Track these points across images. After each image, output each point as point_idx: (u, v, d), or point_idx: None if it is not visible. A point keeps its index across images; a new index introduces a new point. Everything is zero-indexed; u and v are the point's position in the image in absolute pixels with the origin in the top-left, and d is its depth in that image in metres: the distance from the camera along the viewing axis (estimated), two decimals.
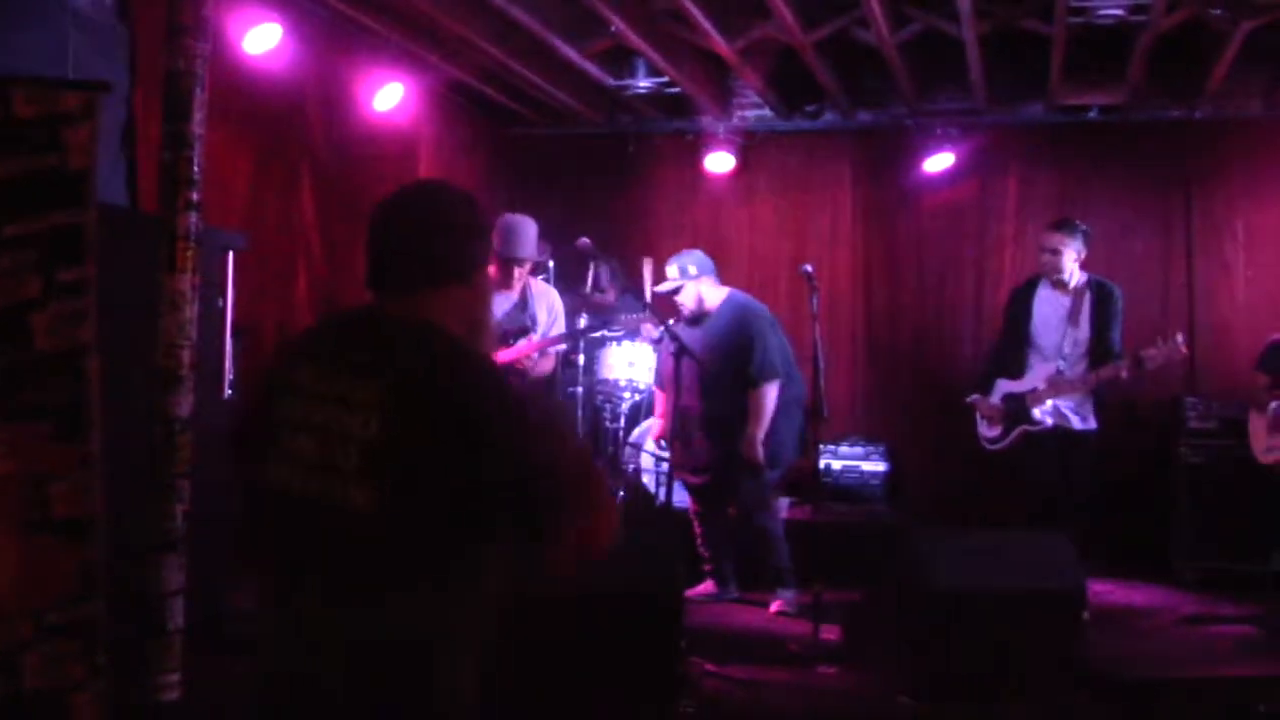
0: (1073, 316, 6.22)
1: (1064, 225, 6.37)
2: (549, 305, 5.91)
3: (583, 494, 1.89)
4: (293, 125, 6.27)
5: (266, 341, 5.71)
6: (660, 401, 6.48)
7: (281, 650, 1.96)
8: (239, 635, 4.17)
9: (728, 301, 6.16)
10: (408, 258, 2.00)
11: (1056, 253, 6.26)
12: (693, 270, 6.09)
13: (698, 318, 6.12)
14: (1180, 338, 5.94)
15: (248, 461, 2.03)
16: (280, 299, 6.25)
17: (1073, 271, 6.29)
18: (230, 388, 4.46)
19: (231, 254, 4.50)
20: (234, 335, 4.46)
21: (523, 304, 5.80)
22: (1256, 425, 6.53)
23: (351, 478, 1.85)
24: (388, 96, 6.62)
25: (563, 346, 6.06)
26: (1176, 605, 6.35)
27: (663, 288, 6.16)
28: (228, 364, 4.35)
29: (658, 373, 6.58)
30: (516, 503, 1.83)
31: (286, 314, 6.24)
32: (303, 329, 2.16)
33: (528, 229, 5.72)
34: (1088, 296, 6.24)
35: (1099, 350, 6.17)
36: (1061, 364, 6.20)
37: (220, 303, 4.42)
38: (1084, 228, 6.36)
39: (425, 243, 2.01)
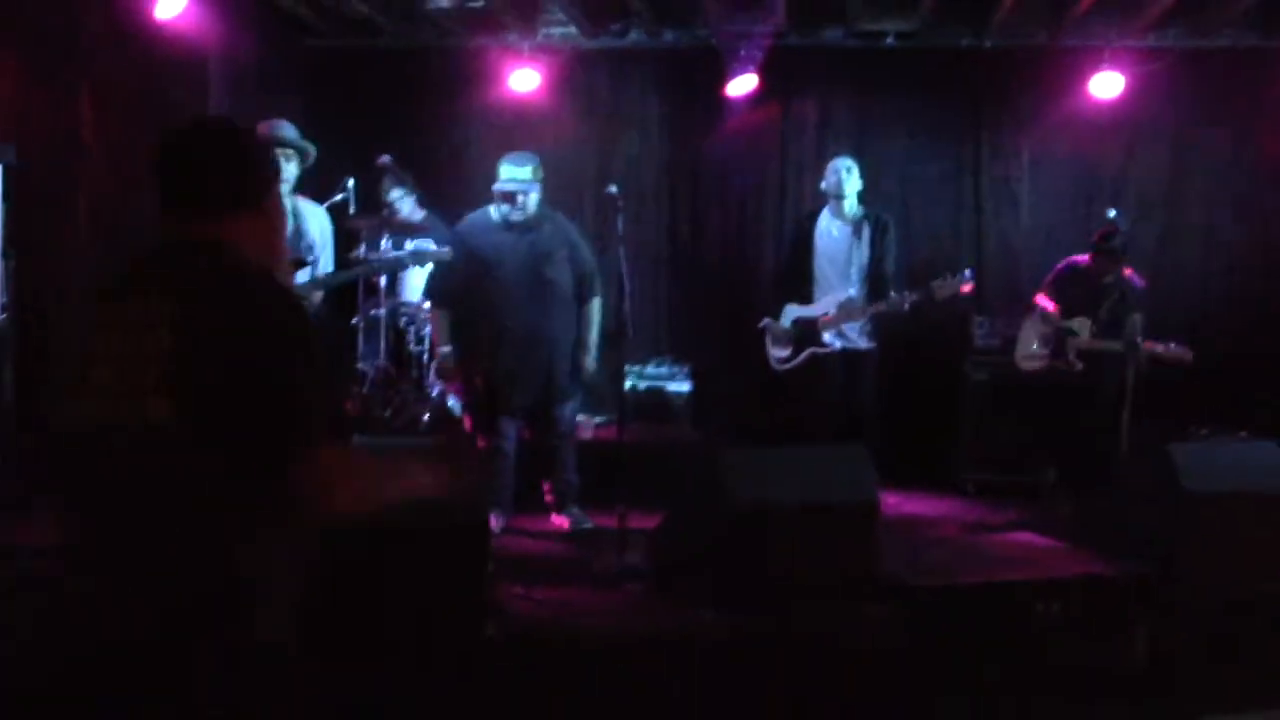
0: (853, 245, 6.64)
1: (850, 155, 6.87)
2: (320, 228, 5.66)
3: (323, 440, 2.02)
4: (66, 34, 5.86)
5: (42, 260, 5.37)
6: (443, 323, 6.06)
7: (90, 580, 2.01)
8: (26, 572, 3.98)
9: (544, 210, 6.03)
10: (206, 181, 2.12)
11: (838, 174, 6.70)
12: (540, 174, 5.95)
13: (523, 226, 5.95)
14: (969, 273, 6.27)
15: (52, 408, 2.12)
16: (59, 215, 5.88)
17: (853, 201, 6.70)
18: (2, 309, 4.20)
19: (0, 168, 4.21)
20: (4, 254, 4.18)
21: (296, 231, 5.46)
22: (1028, 334, 6.87)
23: (149, 392, 1.95)
24: (170, 4, 6.22)
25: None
26: (961, 514, 6.70)
27: (511, 185, 5.85)
28: None
29: (441, 291, 6.10)
30: (280, 421, 1.97)
31: (65, 231, 5.87)
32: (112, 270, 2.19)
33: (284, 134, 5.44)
34: (866, 227, 6.67)
35: (875, 278, 6.60)
36: (852, 291, 6.57)
37: None
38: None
39: (223, 168, 2.14)
